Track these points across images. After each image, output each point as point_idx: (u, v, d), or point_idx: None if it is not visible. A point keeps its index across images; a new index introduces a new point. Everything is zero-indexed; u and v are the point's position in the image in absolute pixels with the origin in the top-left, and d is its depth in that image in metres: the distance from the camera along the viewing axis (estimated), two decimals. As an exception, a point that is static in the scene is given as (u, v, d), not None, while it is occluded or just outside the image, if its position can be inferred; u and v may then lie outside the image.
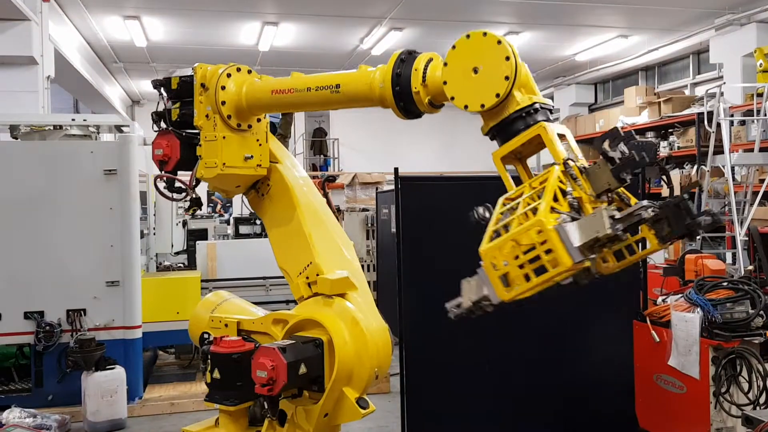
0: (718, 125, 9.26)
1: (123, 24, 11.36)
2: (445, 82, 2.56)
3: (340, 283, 3.25)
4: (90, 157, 5.79)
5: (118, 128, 6.37)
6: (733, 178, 9.19)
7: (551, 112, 2.61)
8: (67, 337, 5.60)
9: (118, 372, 5.47)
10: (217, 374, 3.21)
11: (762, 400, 3.67)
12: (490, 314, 4.65)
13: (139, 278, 5.94)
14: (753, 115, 9.30)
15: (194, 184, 3.34)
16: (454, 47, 2.57)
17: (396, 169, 4.99)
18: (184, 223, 8.11)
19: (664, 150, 11.85)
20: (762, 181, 9.08)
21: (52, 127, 6.13)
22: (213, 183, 3.42)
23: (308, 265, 3.34)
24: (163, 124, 3.39)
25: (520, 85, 2.49)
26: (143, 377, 6.13)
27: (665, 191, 10.33)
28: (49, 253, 5.69)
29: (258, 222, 8.77)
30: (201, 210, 3.92)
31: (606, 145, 2.32)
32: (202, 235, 8.76)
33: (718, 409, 3.71)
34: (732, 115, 9.65)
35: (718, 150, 9.31)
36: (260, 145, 3.44)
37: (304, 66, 14.57)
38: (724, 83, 10.02)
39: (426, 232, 4.94)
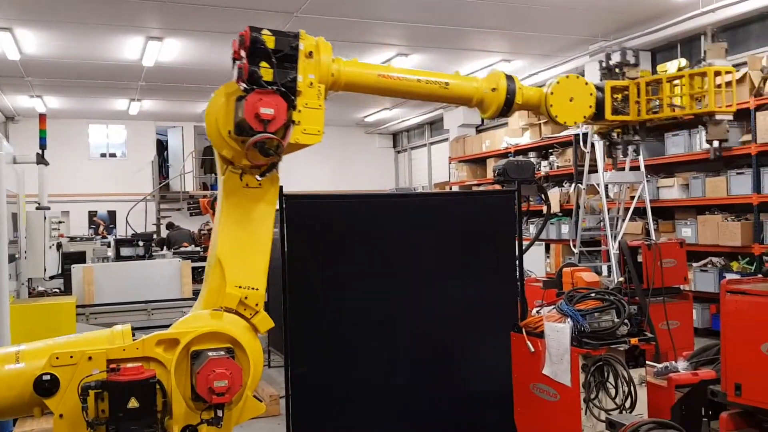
0: (593, 146, 9.81)
1: (-6, 35, 10.72)
2: (551, 105, 3.90)
3: (267, 326, 3.48)
4: (-49, 176, 5.41)
5: (-18, 146, 5.99)
6: (607, 196, 9.75)
7: None
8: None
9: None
10: (134, 403, 3.03)
11: (627, 404, 3.88)
12: (376, 328, 4.74)
13: (7, 305, 5.57)
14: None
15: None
16: (558, 82, 3.94)
17: (281, 188, 4.96)
18: (59, 246, 7.69)
19: (544, 169, 12.41)
20: (633, 197, 9.68)
21: None
22: (288, 148, 3.37)
23: (253, 288, 3.39)
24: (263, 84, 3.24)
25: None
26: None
27: (545, 208, 10.85)
28: None
29: (141, 244, 8.43)
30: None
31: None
32: (80, 258, 8.34)
33: (588, 415, 3.89)
34: (605, 136, 10.22)
35: (593, 169, 9.85)
36: None
37: (191, 82, 14.27)
38: (598, 106, 10.60)
39: (311, 250, 4.93)
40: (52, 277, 7.63)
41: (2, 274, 5.54)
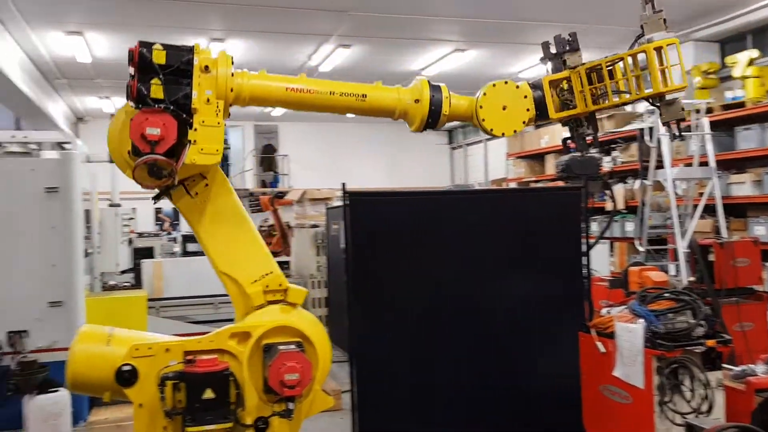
0: (659, 141, 9.55)
1: (65, 39, 11.11)
2: (483, 119, 3.55)
3: (303, 295, 3.46)
4: (31, 175, 5.65)
5: (61, 145, 6.23)
6: (675, 192, 9.48)
7: None
8: (8, 360, 5.41)
9: (62, 395, 5.29)
10: (209, 394, 3.13)
11: (704, 408, 3.77)
12: (439, 326, 4.71)
13: (83, 298, 5.79)
14: (692, 131, 9.61)
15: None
16: (484, 93, 3.58)
17: (344, 185, 5.01)
18: (130, 242, 7.94)
19: (607, 165, 12.14)
20: (701, 194, 9.38)
21: (-10, 145, 5.96)
22: (190, 168, 3.16)
23: (268, 274, 3.39)
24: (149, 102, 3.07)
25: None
26: (88, 399, 5.96)
27: (610, 205, 10.61)
28: (-11, 273, 5.50)
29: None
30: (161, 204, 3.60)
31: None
32: (149, 253, 8.59)
33: (663, 418, 3.79)
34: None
35: (659, 165, 9.59)
36: None
37: (252, 82, 14.49)
38: (664, 100, 10.32)
39: (375, 247, 4.96)
40: (123, 272, 7.90)
41: (78, 268, 5.76)
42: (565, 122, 3.80)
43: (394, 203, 5.23)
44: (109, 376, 3.21)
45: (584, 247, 5.21)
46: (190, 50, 3.16)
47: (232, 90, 3.20)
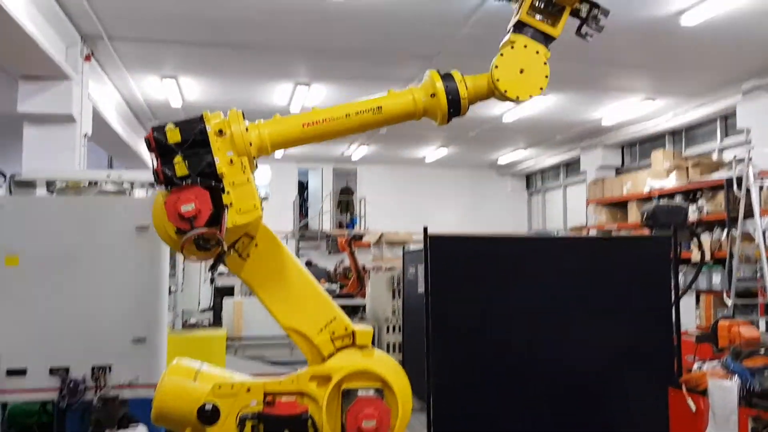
0: (748, 190, 9.18)
1: (160, 83, 11.71)
2: (497, 79, 3.37)
3: (370, 336, 3.40)
4: (123, 213, 5.87)
5: (152, 184, 6.48)
6: (765, 243, 9.05)
7: None
8: (90, 395, 5.56)
9: (141, 431, 5.41)
10: None
11: (805, 475, 3.53)
12: (520, 376, 4.58)
13: (165, 335, 5.93)
14: (783, 180, 9.22)
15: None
16: (501, 54, 3.41)
17: (425, 228, 5.01)
18: (212, 280, 8.15)
19: (693, 214, 11.74)
20: (795, 246, 8.93)
21: (87, 183, 6.26)
22: (236, 229, 3.18)
23: (332, 320, 3.38)
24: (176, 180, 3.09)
25: None
26: (166, 436, 6.07)
27: (695, 255, 10.22)
28: (78, 308, 5.72)
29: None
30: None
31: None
32: (229, 292, 8.78)
33: (759, 484, 3.57)
34: (762, 180, 9.57)
35: (749, 214, 9.20)
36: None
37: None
38: (753, 148, 9.98)
39: (455, 292, 4.92)
40: (203, 310, 8.08)
41: (163, 305, 5.92)
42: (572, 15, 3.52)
43: (475, 248, 5.19)
44: (192, 411, 3.26)
45: (674, 298, 5.02)
46: (201, 119, 3.17)
47: (251, 144, 3.19)
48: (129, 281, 5.77)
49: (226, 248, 3.15)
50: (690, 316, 9.09)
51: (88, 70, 9.64)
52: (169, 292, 6.54)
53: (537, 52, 3.39)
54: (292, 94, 12.32)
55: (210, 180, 3.08)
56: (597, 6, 3.45)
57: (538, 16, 3.43)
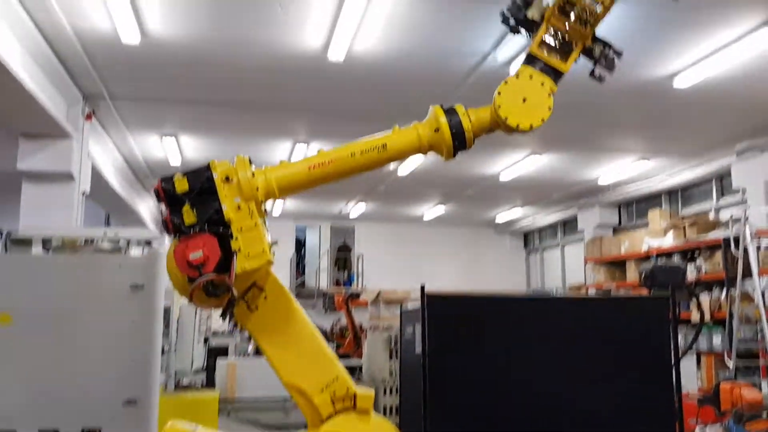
0: (745, 249, 9.18)
1: (160, 142, 11.82)
2: (499, 106, 3.36)
3: (371, 399, 3.29)
4: (118, 271, 5.83)
5: (148, 242, 6.46)
6: (764, 304, 8.99)
7: None
8: (80, 457, 5.43)
9: (131, 495, 5.27)
10: None
11: None
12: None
13: (157, 397, 5.82)
14: (780, 240, 9.23)
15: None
16: (506, 82, 3.40)
17: (422, 287, 4.96)
18: (206, 340, 8.05)
19: (691, 274, 11.70)
20: (795, 307, 8.86)
21: (83, 241, 6.24)
22: (246, 276, 3.13)
23: (335, 380, 3.28)
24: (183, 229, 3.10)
25: None
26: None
27: (695, 316, 10.13)
28: (70, 368, 5.63)
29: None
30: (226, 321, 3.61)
31: None
32: (223, 352, 8.66)
33: None
34: (759, 239, 9.58)
35: (747, 274, 9.17)
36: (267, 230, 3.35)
37: (333, 184, 14.85)
38: (749, 207, 10.02)
39: (453, 352, 4.84)
40: (196, 371, 7.96)
41: (156, 366, 5.83)
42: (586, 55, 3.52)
43: (475, 307, 5.12)
44: None
45: (673, 361, 4.94)
46: (208, 168, 3.18)
47: (257, 189, 3.19)
48: (122, 341, 5.69)
49: (236, 295, 3.11)
50: (691, 377, 8.97)
51: (88, 128, 9.74)
52: (162, 351, 6.45)
53: (542, 84, 3.40)
54: (291, 152, 12.44)
55: (218, 227, 3.08)
56: (609, 46, 3.48)
57: (547, 51, 3.44)
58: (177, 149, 12.14)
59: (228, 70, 8.58)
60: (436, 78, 8.69)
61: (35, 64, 7.76)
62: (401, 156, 3.52)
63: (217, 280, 2.99)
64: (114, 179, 12.43)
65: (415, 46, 7.85)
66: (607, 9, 3.39)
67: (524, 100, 3.37)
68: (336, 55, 7.90)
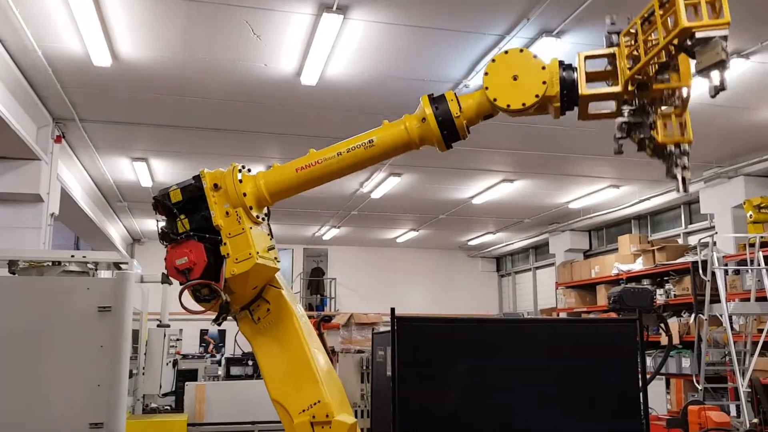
0: (713, 274, 9.33)
1: (131, 165, 11.73)
2: (486, 88, 3.09)
3: (346, 428, 3.22)
4: (86, 294, 5.74)
5: (117, 265, 6.38)
6: (732, 328, 9.12)
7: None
8: (42, 484, 5.29)
9: None
10: None
11: None
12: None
13: (124, 421, 5.71)
14: (746, 265, 9.39)
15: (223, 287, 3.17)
16: (494, 60, 3.12)
17: (392, 309, 4.96)
18: (175, 363, 7.93)
19: (660, 298, 11.86)
20: (761, 330, 9.00)
21: (50, 263, 6.15)
22: (241, 281, 3.19)
23: (316, 403, 3.25)
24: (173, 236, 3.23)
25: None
26: None
27: (664, 339, 10.24)
28: (35, 391, 5.51)
29: (251, 363, 8.58)
30: (219, 324, 3.63)
31: None
32: (193, 375, 8.54)
33: None
34: (726, 265, 9.75)
35: (715, 299, 9.31)
36: (272, 239, 3.40)
37: (305, 207, 14.89)
38: (716, 233, 10.21)
39: (423, 375, 4.83)
40: (165, 395, 7.83)
41: (123, 389, 5.72)
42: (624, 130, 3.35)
43: (445, 330, 5.13)
44: None
45: (641, 383, 4.99)
46: (199, 178, 3.27)
47: (245, 195, 3.22)
48: (88, 364, 5.58)
49: (227, 299, 3.17)
50: (661, 400, 9.04)
51: (58, 151, 9.65)
52: (130, 374, 6.35)
53: (534, 57, 3.10)
54: (263, 176, 12.42)
55: (207, 233, 3.15)
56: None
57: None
58: (147, 172, 12.04)
59: (200, 93, 8.57)
60: (411, 100, 8.74)
61: (3, 86, 7.68)
62: (391, 151, 3.37)
63: (202, 284, 3.09)
64: (83, 202, 12.29)
65: (387, 71, 7.93)
66: (644, 69, 2.94)
67: (515, 77, 3.07)
68: (309, 78, 7.94)
